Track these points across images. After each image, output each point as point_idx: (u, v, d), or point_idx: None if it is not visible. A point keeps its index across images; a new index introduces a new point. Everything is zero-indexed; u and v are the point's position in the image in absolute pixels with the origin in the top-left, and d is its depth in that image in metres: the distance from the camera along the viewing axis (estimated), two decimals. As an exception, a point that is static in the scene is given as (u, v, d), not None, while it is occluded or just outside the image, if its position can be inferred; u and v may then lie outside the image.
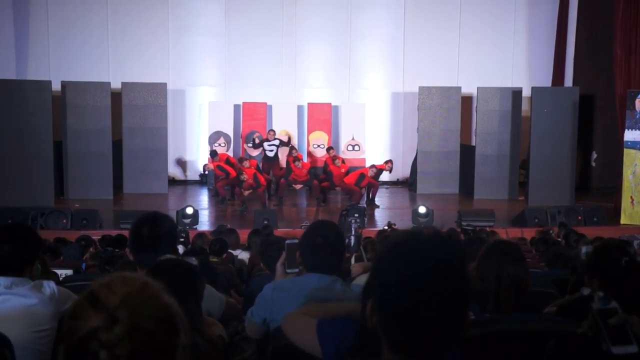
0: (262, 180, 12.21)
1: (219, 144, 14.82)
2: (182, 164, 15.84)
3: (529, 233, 9.98)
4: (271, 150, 13.48)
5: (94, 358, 1.09)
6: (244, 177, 12.05)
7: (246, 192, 12.14)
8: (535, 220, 10.89)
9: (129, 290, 1.15)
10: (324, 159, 13.90)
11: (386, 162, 13.22)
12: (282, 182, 12.76)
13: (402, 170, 15.98)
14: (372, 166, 12.83)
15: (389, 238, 1.47)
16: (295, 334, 2.27)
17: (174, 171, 15.56)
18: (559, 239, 8.29)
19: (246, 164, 12.85)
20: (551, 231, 9.85)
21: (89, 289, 1.17)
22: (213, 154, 13.52)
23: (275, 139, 13.55)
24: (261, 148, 13.74)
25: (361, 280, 3.37)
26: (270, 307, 2.79)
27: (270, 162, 13.52)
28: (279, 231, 9.37)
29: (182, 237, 7.52)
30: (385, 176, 15.93)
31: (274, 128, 14.24)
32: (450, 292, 1.30)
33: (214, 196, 13.56)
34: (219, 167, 12.80)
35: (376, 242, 5.59)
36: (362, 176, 12.55)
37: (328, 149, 13.98)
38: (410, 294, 1.29)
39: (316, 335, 2.07)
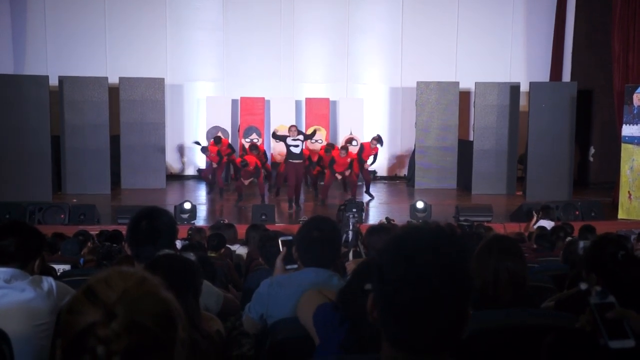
0: (265, 167, 12.15)
1: (217, 139, 14.80)
2: (181, 150, 15.75)
3: (528, 226, 10.00)
4: (296, 146, 11.97)
5: (91, 353, 1.09)
6: (245, 162, 11.89)
7: (246, 181, 12.09)
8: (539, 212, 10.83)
9: (127, 286, 1.15)
10: (321, 153, 13.71)
11: (372, 139, 12.91)
12: (328, 174, 12.51)
13: (400, 166, 16.01)
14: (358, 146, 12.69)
15: (390, 233, 1.48)
16: (303, 312, 2.34)
17: (171, 160, 15.45)
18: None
19: (254, 152, 12.62)
20: (535, 214, 9.88)
21: (86, 284, 1.16)
22: (217, 139, 13.35)
23: (297, 137, 12.10)
24: (282, 144, 12.36)
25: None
26: (267, 303, 2.80)
27: (296, 160, 11.99)
28: (277, 226, 9.38)
29: (190, 234, 7.57)
30: (382, 171, 15.98)
31: (295, 124, 13.22)
32: (452, 288, 1.29)
33: (210, 187, 13.62)
34: (218, 152, 12.77)
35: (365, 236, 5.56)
36: (351, 162, 12.47)
37: (327, 149, 13.64)
38: (411, 290, 1.28)
39: (312, 318, 2.18)
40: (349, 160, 12.44)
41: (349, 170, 12.45)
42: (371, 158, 12.93)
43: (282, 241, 3.05)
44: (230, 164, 13.90)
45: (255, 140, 14.79)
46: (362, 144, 12.77)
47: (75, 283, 3.13)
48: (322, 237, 2.83)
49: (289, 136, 12.03)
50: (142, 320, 1.12)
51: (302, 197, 13.24)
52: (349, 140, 14.47)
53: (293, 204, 11.96)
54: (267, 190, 12.41)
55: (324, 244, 2.83)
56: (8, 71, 14.21)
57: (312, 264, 2.83)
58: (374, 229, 3.87)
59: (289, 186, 11.91)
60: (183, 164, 15.80)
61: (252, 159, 12.11)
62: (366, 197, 12.95)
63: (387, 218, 8.88)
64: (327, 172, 12.63)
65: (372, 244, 3.63)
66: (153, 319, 1.13)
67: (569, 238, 7.25)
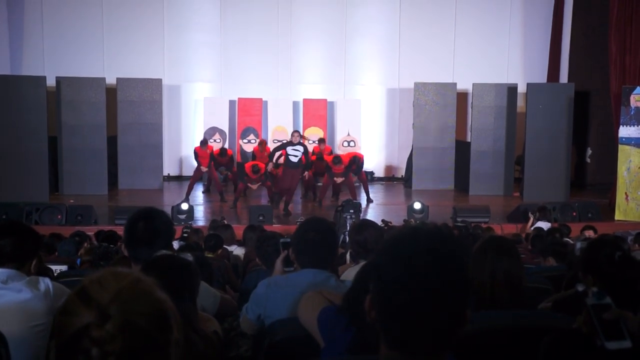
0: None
1: (215, 140, 14.80)
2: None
3: (524, 227, 10.02)
4: (295, 156, 11.72)
5: (85, 355, 1.08)
6: (257, 167, 11.95)
7: (255, 185, 12.07)
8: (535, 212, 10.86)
9: (121, 286, 1.14)
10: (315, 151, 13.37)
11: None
12: (326, 177, 12.44)
13: (397, 166, 16.02)
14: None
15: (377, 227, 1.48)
16: (304, 314, 2.35)
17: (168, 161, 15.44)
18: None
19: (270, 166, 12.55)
20: (531, 215, 9.92)
21: (80, 285, 1.16)
22: (223, 152, 13.36)
23: (299, 143, 11.86)
24: (278, 152, 12.25)
25: (349, 276, 3.36)
26: (265, 304, 2.80)
27: (293, 168, 11.80)
28: (275, 227, 9.37)
29: (186, 234, 7.57)
30: (380, 172, 16.01)
31: (298, 130, 13.16)
32: (450, 289, 1.29)
33: (205, 192, 13.65)
34: (211, 155, 12.78)
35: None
36: (348, 168, 12.39)
37: (320, 141, 13.65)
38: (409, 290, 1.28)
39: (316, 321, 2.19)
40: (343, 167, 12.26)
41: (345, 178, 12.37)
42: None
43: (282, 243, 3.07)
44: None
45: (252, 142, 14.78)
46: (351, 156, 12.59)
47: (72, 284, 3.11)
48: (318, 238, 2.83)
49: (291, 142, 11.77)
50: (136, 321, 1.11)
51: (299, 198, 13.22)
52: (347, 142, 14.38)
53: (282, 205, 11.84)
54: (269, 202, 12.27)
55: (321, 245, 2.83)
56: (5, 72, 14.20)
57: (309, 265, 2.83)
58: (360, 226, 3.76)
59: (282, 188, 11.89)
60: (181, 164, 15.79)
61: (261, 165, 12.13)
62: (364, 199, 12.90)
63: (383, 220, 8.88)
64: (325, 176, 12.57)
65: (362, 242, 3.55)
66: (148, 319, 1.12)
67: (565, 239, 7.28)
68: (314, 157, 12.84)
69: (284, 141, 12.61)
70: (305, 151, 11.93)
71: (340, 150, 14.89)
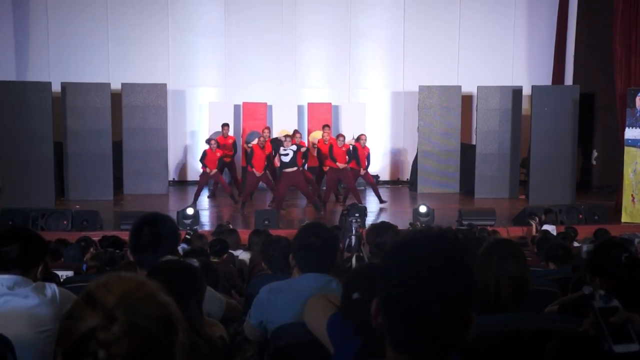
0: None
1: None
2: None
3: (530, 232, 9.99)
4: (286, 155, 11.68)
5: (92, 358, 1.09)
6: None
7: (259, 173, 12.12)
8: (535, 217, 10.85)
9: (126, 290, 1.15)
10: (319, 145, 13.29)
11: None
12: (329, 167, 12.28)
13: (402, 170, 16.00)
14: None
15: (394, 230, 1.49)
16: (311, 319, 2.35)
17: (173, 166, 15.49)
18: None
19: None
20: (532, 222, 9.90)
21: (86, 290, 1.17)
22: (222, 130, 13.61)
23: (293, 145, 11.79)
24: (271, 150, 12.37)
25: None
26: (267, 309, 2.79)
27: (287, 168, 11.70)
28: (280, 231, 9.36)
29: (189, 236, 7.58)
30: (385, 175, 15.99)
31: (296, 130, 13.20)
32: (456, 293, 1.30)
33: (211, 197, 13.65)
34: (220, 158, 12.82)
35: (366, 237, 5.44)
36: (349, 153, 12.31)
37: (324, 127, 13.43)
38: (415, 294, 1.29)
39: (326, 327, 2.21)
40: (345, 150, 12.17)
41: (347, 166, 12.21)
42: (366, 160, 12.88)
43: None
44: (225, 167, 13.84)
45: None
46: (354, 146, 12.68)
47: (78, 289, 3.11)
48: (319, 242, 2.83)
49: (283, 145, 11.77)
50: (142, 323, 1.12)
51: (304, 201, 13.17)
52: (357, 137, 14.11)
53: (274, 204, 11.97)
54: (269, 205, 12.28)
55: (322, 249, 2.83)
56: (11, 77, 14.24)
57: (310, 270, 2.82)
58: (380, 228, 3.74)
59: (278, 195, 11.90)
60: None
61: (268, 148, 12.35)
62: (370, 203, 12.85)
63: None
64: (329, 164, 12.34)
65: (380, 245, 3.55)
66: (153, 321, 1.14)
67: (575, 243, 7.28)
68: (320, 144, 12.79)
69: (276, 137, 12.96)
70: (297, 150, 11.76)
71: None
